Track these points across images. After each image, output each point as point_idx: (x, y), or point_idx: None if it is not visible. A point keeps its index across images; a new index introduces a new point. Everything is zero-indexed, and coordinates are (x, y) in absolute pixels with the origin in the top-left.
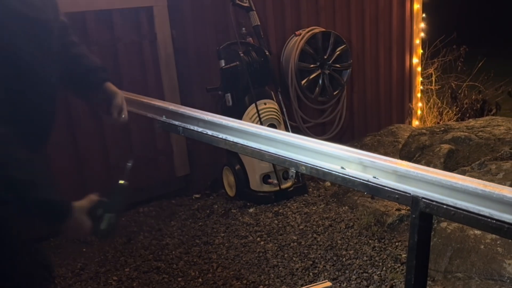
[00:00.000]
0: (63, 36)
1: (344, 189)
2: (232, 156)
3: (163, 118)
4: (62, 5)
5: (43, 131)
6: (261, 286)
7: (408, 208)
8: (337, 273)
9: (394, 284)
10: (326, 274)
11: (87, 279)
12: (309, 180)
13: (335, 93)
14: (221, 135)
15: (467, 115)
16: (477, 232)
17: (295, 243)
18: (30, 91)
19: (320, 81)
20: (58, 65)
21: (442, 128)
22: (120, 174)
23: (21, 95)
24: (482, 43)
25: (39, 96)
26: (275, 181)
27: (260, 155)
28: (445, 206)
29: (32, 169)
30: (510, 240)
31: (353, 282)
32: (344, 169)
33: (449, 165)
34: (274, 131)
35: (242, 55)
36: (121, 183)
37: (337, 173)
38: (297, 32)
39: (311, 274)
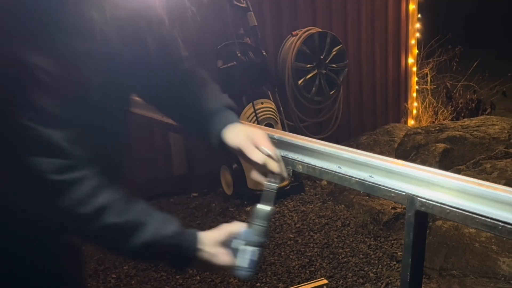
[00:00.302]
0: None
1: (340, 187)
2: (229, 155)
3: None
4: None
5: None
6: (258, 284)
7: (404, 206)
8: (333, 270)
9: (389, 281)
10: (322, 271)
11: (86, 277)
12: (305, 179)
13: (331, 92)
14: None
15: (462, 114)
16: (472, 230)
17: (292, 241)
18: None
19: (317, 81)
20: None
21: (437, 128)
22: (261, 196)
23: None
24: (477, 43)
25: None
26: (273, 180)
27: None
28: (440, 205)
29: (134, 207)
30: (504, 239)
31: (349, 279)
32: (340, 168)
33: (444, 164)
34: (270, 130)
35: (239, 55)
36: (263, 209)
37: (333, 172)
38: (293, 33)
39: (307, 271)
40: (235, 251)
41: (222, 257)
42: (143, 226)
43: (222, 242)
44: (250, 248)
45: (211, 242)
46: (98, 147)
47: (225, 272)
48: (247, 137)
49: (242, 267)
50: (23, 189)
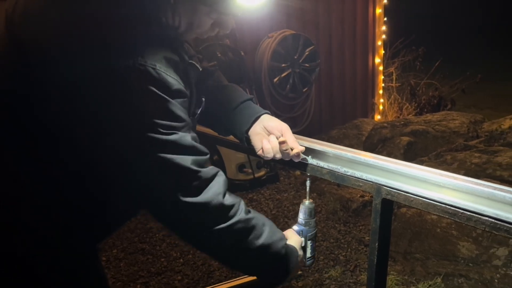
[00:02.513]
0: None
1: (312, 177)
2: (210, 148)
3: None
4: None
5: None
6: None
7: (371, 195)
8: None
9: (358, 264)
10: None
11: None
12: (280, 170)
13: (304, 90)
14: None
15: (425, 110)
16: (434, 216)
17: None
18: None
19: (291, 79)
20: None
21: (402, 122)
22: (304, 192)
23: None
24: (439, 44)
25: None
26: (250, 170)
27: (235, 146)
28: (404, 193)
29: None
30: (463, 224)
31: (321, 262)
32: (313, 159)
33: (408, 155)
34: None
35: (219, 55)
36: (309, 204)
37: (306, 163)
38: (269, 35)
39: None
40: (303, 248)
41: (302, 258)
42: (264, 227)
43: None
44: (311, 241)
45: (299, 245)
46: None
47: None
48: (287, 127)
49: (310, 257)
50: (168, 184)
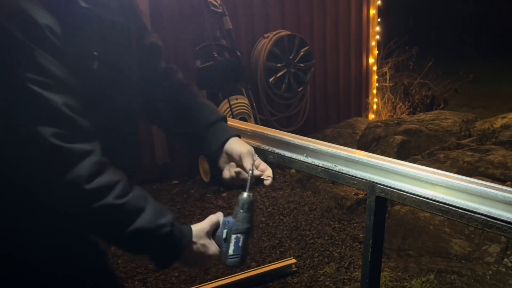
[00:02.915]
0: (155, 60)
1: (307, 175)
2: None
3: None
4: None
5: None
6: None
7: (365, 192)
8: (301, 251)
9: (352, 261)
10: (291, 252)
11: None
12: (276, 168)
13: (299, 89)
14: None
15: (418, 109)
16: (427, 214)
17: (264, 224)
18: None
19: (286, 79)
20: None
21: (396, 121)
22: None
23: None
24: (432, 44)
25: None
26: None
27: None
28: (398, 191)
29: (134, 192)
30: (456, 221)
31: (315, 259)
32: (308, 158)
33: (402, 154)
34: (244, 124)
35: (216, 55)
36: (245, 197)
37: (301, 161)
38: (265, 35)
39: (278, 251)
40: (222, 240)
41: (212, 247)
42: (141, 212)
43: (210, 233)
44: (235, 236)
45: (202, 234)
46: (102, 124)
47: (213, 262)
48: (248, 151)
49: (232, 255)
50: (29, 156)
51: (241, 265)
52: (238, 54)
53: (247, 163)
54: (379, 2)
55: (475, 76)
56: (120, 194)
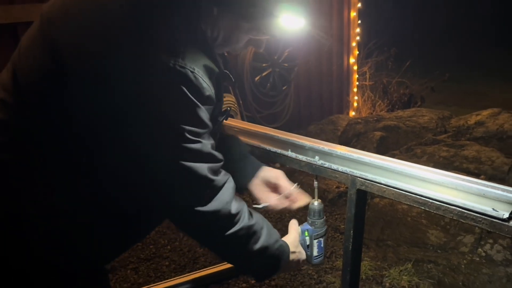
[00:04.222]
0: None
1: (291, 169)
2: None
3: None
4: None
5: None
6: None
7: (346, 186)
8: None
9: (334, 250)
10: None
11: None
12: (261, 162)
13: (283, 88)
14: None
15: (396, 107)
16: (405, 206)
17: None
18: None
19: (271, 78)
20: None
21: (375, 118)
22: (312, 194)
23: None
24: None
25: None
26: None
27: None
28: (378, 184)
29: (254, 213)
30: (433, 213)
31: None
32: (292, 152)
33: (381, 149)
34: (232, 121)
35: None
36: (317, 205)
37: (285, 156)
38: None
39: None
40: (306, 246)
41: (303, 253)
42: (262, 230)
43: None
44: (317, 240)
45: (296, 243)
46: None
47: (302, 266)
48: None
49: (317, 256)
50: (183, 189)
51: (323, 262)
52: (225, 54)
53: (285, 183)
54: (359, 5)
55: (451, 76)
56: (248, 214)
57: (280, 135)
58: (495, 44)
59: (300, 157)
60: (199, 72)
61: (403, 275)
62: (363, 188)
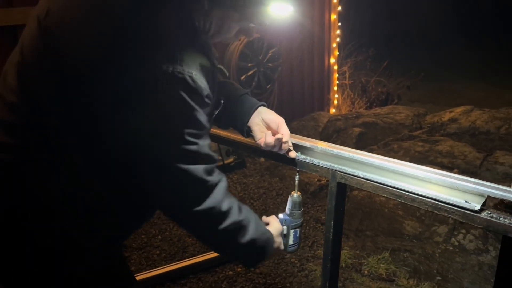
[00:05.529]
0: None
1: (275, 164)
2: None
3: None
4: None
5: None
6: None
7: (327, 179)
8: None
9: (315, 240)
10: None
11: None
12: (247, 157)
13: (268, 86)
14: None
15: (374, 104)
16: (382, 198)
17: None
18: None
19: (256, 77)
20: None
21: (354, 115)
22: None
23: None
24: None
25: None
26: (220, 157)
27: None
28: (356, 178)
29: (243, 206)
30: (409, 205)
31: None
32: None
33: (360, 144)
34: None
35: None
36: (296, 197)
37: (270, 151)
38: None
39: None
40: (283, 236)
41: (282, 242)
42: (250, 223)
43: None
44: (294, 230)
45: (278, 233)
46: None
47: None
48: (283, 120)
49: (292, 244)
50: (179, 190)
51: (297, 250)
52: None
53: (286, 134)
54: (339, 8)
55: (426, 75)
56: (238, 210)
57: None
58: (465, 44)
59: (283, 151)
60: (196, 75)
61: (381, 263)
62: (343, 181)
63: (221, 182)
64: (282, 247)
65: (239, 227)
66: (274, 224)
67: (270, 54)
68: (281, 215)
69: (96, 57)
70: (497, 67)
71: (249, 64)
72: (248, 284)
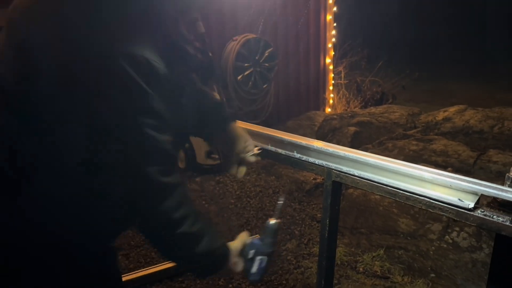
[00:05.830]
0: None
1: (271, 162)
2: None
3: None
4: None
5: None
6: None
7: (323, 177)
8: None
9: (311, 238)
10: (257, 230)
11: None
12: None
13: (264, 86)
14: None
15: (369, 104)
16: (377, 196)
17: (233, 205)
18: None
19: (252, 77)
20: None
21: (349, 114)
22: (271, 212)
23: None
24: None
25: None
26: (217, 156)
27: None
28: (352, 176)
29: (200, 219)
30: (403, 203)
31: (278, 236)
32: (272, 146)
33: (355, 143)
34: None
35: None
36: (272, 224)
37: (266, 150)
38: (234, 38)
39: (245, 229)
40: (248, 260)
41: (240, 265)
42: (206, 237)
43: (240, 252)
44: (260, 257)
45: (236, 253)
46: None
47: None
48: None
49: (254, 273)
50: (132, 187)
51: (260, 282)
52: (210, 55)
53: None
54: (335, 9)
55: (420, 75)
56: (192, 223)
57: (260, 131)
58: (460, 45)
59: (280, 151)
60: (148, 54)
61: (376, 261)
62: (338, 179)
63: (180, 187)
64: (238, 268)
65: (195, 237)
66: (236, 243)
67: (266, 54)
68: (252, 238)
69: (51, 37)
70: (490, 67)
71: (245, 64)
72: (245, 281)
